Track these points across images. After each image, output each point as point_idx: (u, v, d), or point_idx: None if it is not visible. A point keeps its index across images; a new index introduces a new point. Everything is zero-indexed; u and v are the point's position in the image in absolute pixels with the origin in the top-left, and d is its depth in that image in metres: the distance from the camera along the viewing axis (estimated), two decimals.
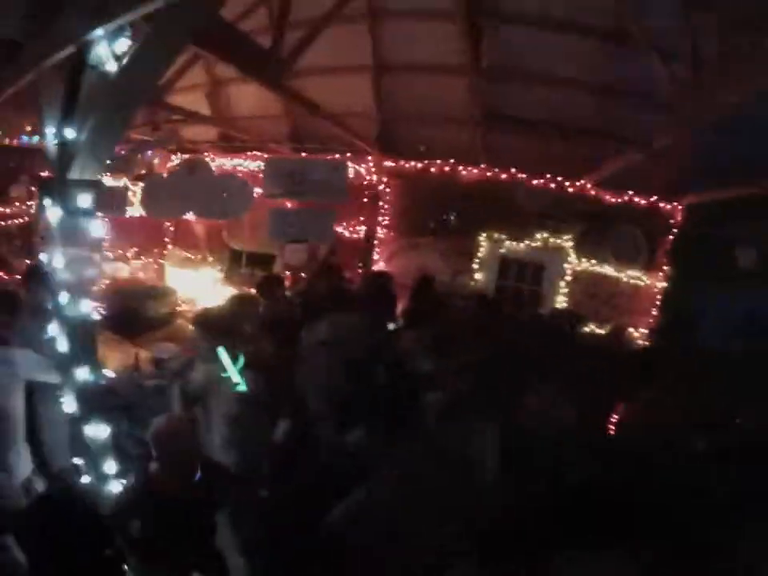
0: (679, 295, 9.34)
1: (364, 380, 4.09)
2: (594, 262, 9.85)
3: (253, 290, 7.31)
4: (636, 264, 9.58)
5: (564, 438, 3.67)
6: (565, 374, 5.02)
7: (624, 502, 3.05)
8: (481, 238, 10.24)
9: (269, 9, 8.49)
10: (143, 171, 10.56)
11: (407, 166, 10.41)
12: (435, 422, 3.93)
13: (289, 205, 9.65)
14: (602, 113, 8.38)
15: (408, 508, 2.98)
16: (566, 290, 9.95)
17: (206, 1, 3.33)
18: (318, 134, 10.22)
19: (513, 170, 9.82)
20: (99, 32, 3.45)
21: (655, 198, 9.36)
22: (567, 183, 9.60)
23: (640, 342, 9.37)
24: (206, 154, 11.67)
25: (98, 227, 3.92)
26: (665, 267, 9.49)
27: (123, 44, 3.74)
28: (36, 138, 9.04)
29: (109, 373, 5.88)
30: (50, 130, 3.96)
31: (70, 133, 3.62)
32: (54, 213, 3.73)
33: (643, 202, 9.44)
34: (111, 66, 3.72)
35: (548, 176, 9.64)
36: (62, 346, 4.00)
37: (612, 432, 5.68)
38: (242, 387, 4.37)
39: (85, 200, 3.76)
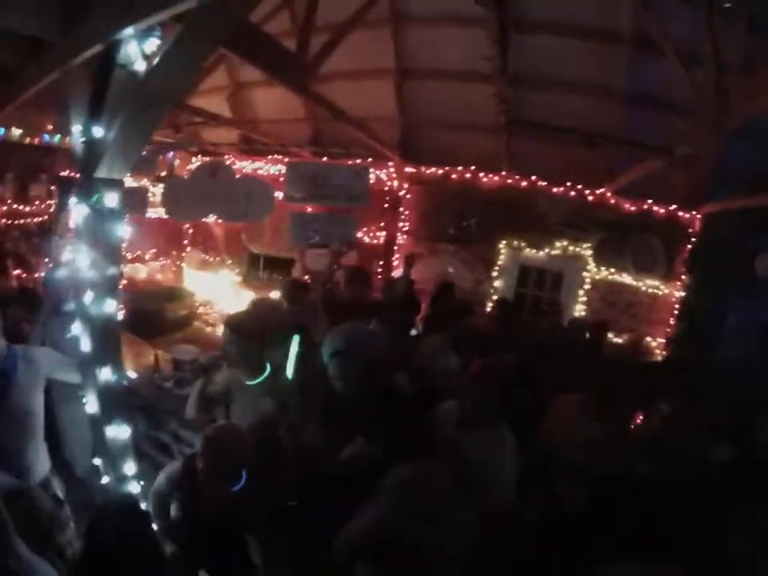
0: (697, 305, 9.27)
1: (385, 386, 4.01)
2: (612, 270, 9.83)
3: (272, 294, 7.31)
4: (654, 273, 9.55)
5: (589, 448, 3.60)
6: (588, 384, 4.98)
7: (652, 513, 3.02)
8: (501, 246, 10.23)
9: (291, 12, 8.54)
10: (164, 173, 10.59)
11: (428, 171, 10.43)
12: (454, 430, 3.89)
13: (309, 209, 9.66)
14: (624, 120, 8.34)
15: (428, 517, 2.90)
16: (584, 299, 9.94)
17: (238, 3, 3.29)
18: (339, 139, 10.21)
19: (534, 178, 9.82)
20: (129, 31, 3.42)
21: (674, 206, 9.33)
22: (588, 191, 9.58)
23: (658, 351, 9.31)
24: (227, 156, 11.72)
25: (123, 226, 3.91)
26: (683, 276, 9.44)
27: (153, 44, 3.74)
28: (57, 138, 9.09)
29: (129, 373, 5.88)
30: (76, 128, 3.95)
31: (97, 131, 3.61)
32: (79, 211, 3.72)
33: (662, 210, 9.41)
34: (140, 66, 3.72)
35: (569, 184, 9.62)
36: (85, 345, 3.99)
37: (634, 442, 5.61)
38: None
39: (111, 199, 3.75)
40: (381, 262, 10.64)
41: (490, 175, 10.07)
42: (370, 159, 10.22)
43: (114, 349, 4.09)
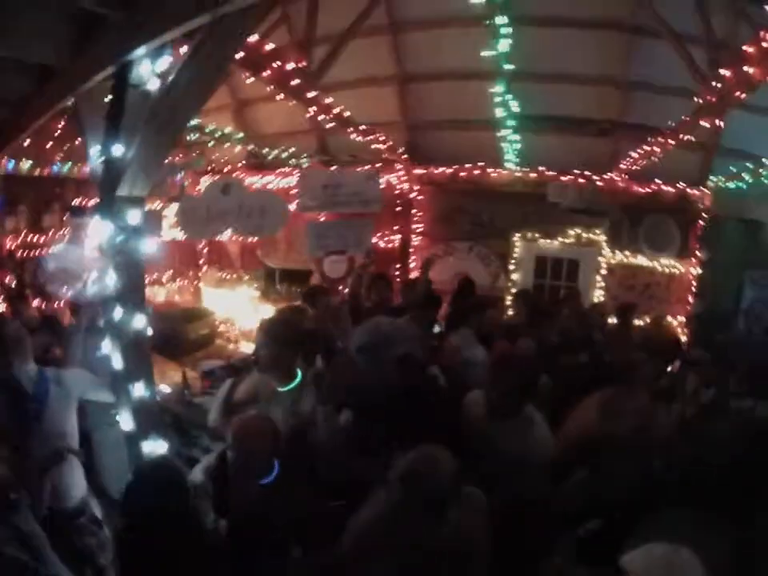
0: (714, 281, 9.38)
1: (418, 380, 4.00)
2: (627, 253, 9.88)
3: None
4: (669, 252, 9.62)
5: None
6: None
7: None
8: (515, 239, 10.26)
9: (289, 27, 8.68)
10: (175, 194, 10.66)
11: (437, 172, 10.49)
12: (487, 419, 3.87)
13: (322, 218, 9.71)
14: (626, 104, 8.43)
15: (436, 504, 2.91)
16: (602, 284, 9.96)
17: (246, 17, 3.34)
18: (346, 147, 10.29)
19: (541, 169, 9.86)
20: (141, 51, 3.48)
21: (683, 185, 9.36)
22: (596, 177, 9.61)
23: (679, 330, 9.31)
24: (236, 173, 11.78)
25: (147, 243, 3.97)
26: (698, 254, 9.48)
27: (165, 62, 3.80)
28: (67, 167, 9.18)
29: (159, 390, 5.91)
30: (94, 149, 4.02)
31: (117, 150, 3.66)
32: (103, 229, 3.77)
33: (672, 190, 9.45)
34: (153, 85, 3.77)
35: (576, 172, 9.65)
36: (117, 362, 4.04)
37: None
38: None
39: (134, 216, 3.80)
40: (398, 266, 10.68)
41: (499, 170, 10.14)
42: (378, 165, 10.21)
43: (145, 364, 4.13)
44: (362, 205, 9.06)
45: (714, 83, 5.43)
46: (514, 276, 10.42)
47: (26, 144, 7.29)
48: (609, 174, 9.48)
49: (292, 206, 9.15)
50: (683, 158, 8.63)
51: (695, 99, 6.01)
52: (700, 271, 9.49)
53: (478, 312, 6.14)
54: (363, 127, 8.61)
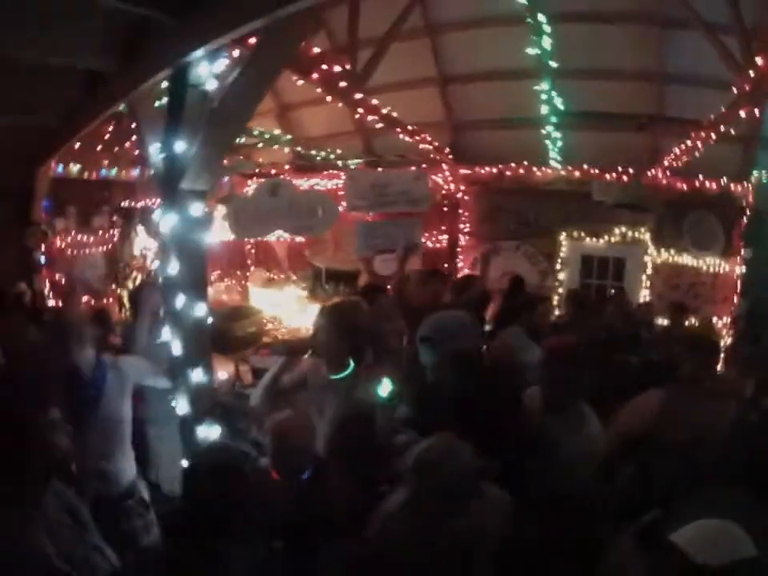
0: (758, 280, 9.12)
1: (477, 375, 3.92)
2: (672, 252, 9.82)
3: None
4: (713, 250, 9.52)
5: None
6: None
7: None
8: (561, 238, 10.28)
9: (328, 32, 8.90)
10: (223, 195, 10.86)
11: (482, 171, 10.56)
12: (543, 414, 3.82)
13: (369, 218, 9.83)
14: (662, 98, 8.41)
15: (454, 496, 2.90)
16: (647, 284, 9.91)
17: (300, 23, 3.46)
18: (392, 148, 10.43)
19: (586, 166, 9.87)
20: (198, 54, 3.60)
21: (725, 180, 9.27)
22: (639, 174, 9.54)
23: (724, 331, 9.25)
24: (282, 176, 11.95)
25: (208, 234, 4.11)
26: (742, 251, 9.35)
27: (221, 63, 3.96)
28: (114, 171, 9.45)
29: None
30: (153, 147, 4.18)
31: (179, 146, 3.81)
32: (167, 221, 3.93)
33: (714, 186, 9.37)
34: (211, 85, 3.93)
35: (620, 169, 9.62)
36: (176, 349, 4.17)
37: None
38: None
39: (197, 209, 3.96)
40: (446, 265, 10.73)
41: (544, 168, 10.19)
42: (423, 165, 10.34)
43: (204, 351, 4.24)
44: (410, 204, 9.17)
45: (749, 72, 5.43)
46: (561, 275, 10.43)
47: (75, 148, 7.49)
48: (651, 170, 9.42)
49: (340, 207, 9.29)
50: (724, 152, 8.56)
51: (732, 90, 6.00)
52: (744, 269, 9.35)
53: (529, 310, 6.11)
54: (411, 127, 8.71)
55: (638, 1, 7.45)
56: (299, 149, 10.94)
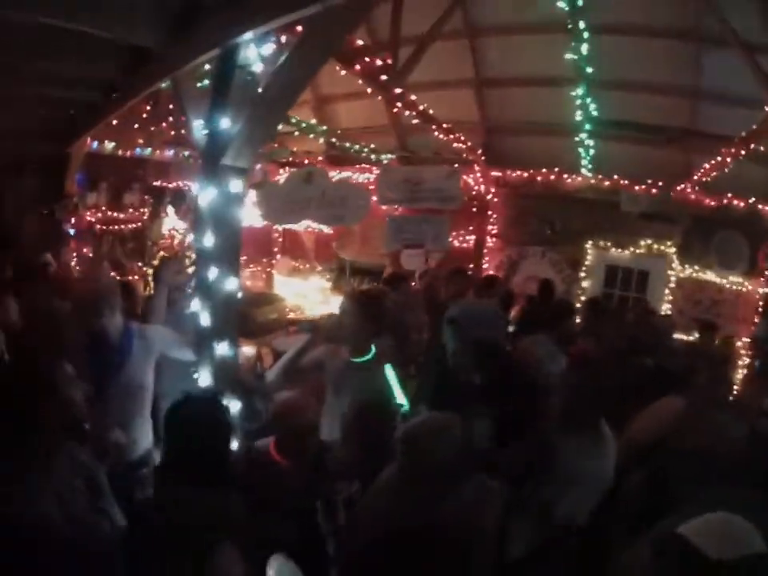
0: None
1: (498, 365, 3.90)
2: (697, 268, 9.79)
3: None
4: (739, 270, 9.46)
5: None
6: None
7: None
8: (587, 246, 10.30)
9: (368, 27, 8.96)
10: (256, 181, 10.97)
11: (513, 175, 10.59)
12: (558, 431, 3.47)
13: (399, 210, 9.90)
14: (695, 113, 8.43)
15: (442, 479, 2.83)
16: (669, 298, 9.91)
17: (350, 12, 3.52)
18: (426, 146, 10.52)
19: (615, 177, 9.87)
20: (247, 36, 3.65)
21: (754, 199, 9.22)
22: (669, 187, 9.55)
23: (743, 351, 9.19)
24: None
25: (243, 211, 4.19)
26: (766, 272, 9.31)
27: (269, 47, 4.04)
28: (148, 151, 9.58)
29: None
30: (197, 123, 4.28)
31: (224, 122, 3.90)
32: (205, 195, 4.02)
33: (742, 204, 9.31)
34: (258, 68, 4.02)
35: (649, 181, 9.62)
36: (204, 320, 4.18)
37: None
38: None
39: (236, 185, 4.05)
40: (471, 266, 10.75)
41: (573, 176, 10.20)
42: (456, 165, 10.37)
43: (232, 325, 4.28)
44: (441, 201, 9.23)
45: None
46: (584, 284, 10.45)
47: (111, 125, 7.60)
48: (681, 184, 9.41)
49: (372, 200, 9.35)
50: (753, 171, 8.52)
51: (765, 108, 6.02)
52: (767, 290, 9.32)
53: (560, 319, 6.01)
54: (446, 125, 8.77)
55: (677, 17, 7.45)
56: (334, 140, 11.01)
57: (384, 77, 6.75)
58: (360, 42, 6.34)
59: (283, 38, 4.38)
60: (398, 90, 7.17)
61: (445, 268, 8.04)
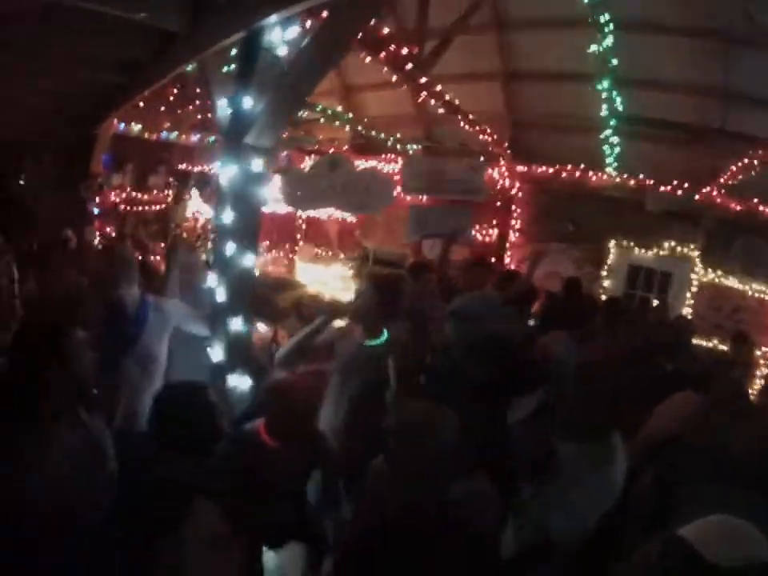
0: None
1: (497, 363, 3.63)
2: (719, 273, 9.63)
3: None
4: (761, 276, 9.32)
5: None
6: None
7: None
8: (610, 245, 10.23)
9: (395, 16, 8.98)
10: (280, 167, 11.02)
11: (539, 171, 10.54)
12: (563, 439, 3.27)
13: (423, 199, 9.92)
14: (723, 113, 8.32)
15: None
16: (691, 302, 9.78)
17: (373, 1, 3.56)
18: (452, 137, 10.52)
19: (641, 176, 9.79)
20: (271, 20, 3.72)
21: None
22: (694, 188, 9.44)
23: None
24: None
25: (264, 189, 4.25)
26: None
27: (293, 31, 4.09)
28: (174, 134, 9.68)
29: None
30: (221, 102, 4.35)
31: (247, 102, 3.96)
32: (227, 172, 4.08)
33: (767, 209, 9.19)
34: (282, 51, 4.07)
35: (675, 182, 9.52)
36: (220, 295, 4.29)
37: None
38: None
39: (258, 164, 4.11)
40: (493, 260, 10.70)
41: (599, 174, 10.11)
42: (481, 158, 10.37)
43: (246, 301, 4.37)
44: (465, 194, 9.24)
45: None
46: (606, 283, 10.34)
47: (138, 108, 7.72)
48: (706, 186, 9.30)
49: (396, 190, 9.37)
50: None
51: None
52: None
53: (585, 319, 5.75)
54: (471, 117, 8.78)
55: (706, 16, 7.40)
56: (360, 128, 11.04)
57: (409, 65, 6.76)
58: (386, 30, 6.35)
59: (308, 23, 4.43)
60: (423, 80, 7.18)
61: (460, 258, 7.97)
